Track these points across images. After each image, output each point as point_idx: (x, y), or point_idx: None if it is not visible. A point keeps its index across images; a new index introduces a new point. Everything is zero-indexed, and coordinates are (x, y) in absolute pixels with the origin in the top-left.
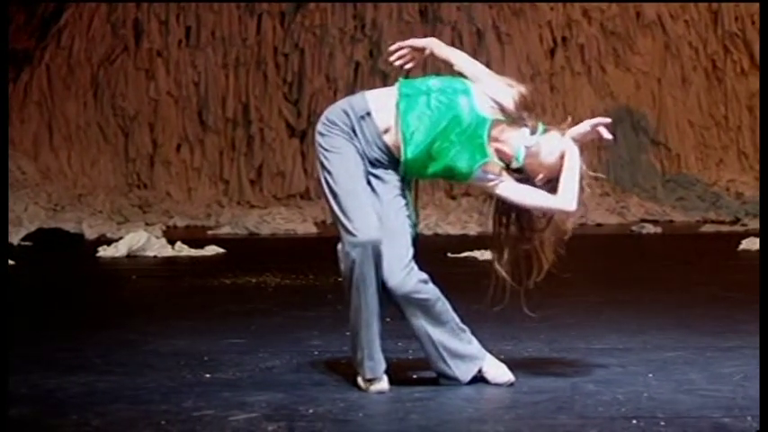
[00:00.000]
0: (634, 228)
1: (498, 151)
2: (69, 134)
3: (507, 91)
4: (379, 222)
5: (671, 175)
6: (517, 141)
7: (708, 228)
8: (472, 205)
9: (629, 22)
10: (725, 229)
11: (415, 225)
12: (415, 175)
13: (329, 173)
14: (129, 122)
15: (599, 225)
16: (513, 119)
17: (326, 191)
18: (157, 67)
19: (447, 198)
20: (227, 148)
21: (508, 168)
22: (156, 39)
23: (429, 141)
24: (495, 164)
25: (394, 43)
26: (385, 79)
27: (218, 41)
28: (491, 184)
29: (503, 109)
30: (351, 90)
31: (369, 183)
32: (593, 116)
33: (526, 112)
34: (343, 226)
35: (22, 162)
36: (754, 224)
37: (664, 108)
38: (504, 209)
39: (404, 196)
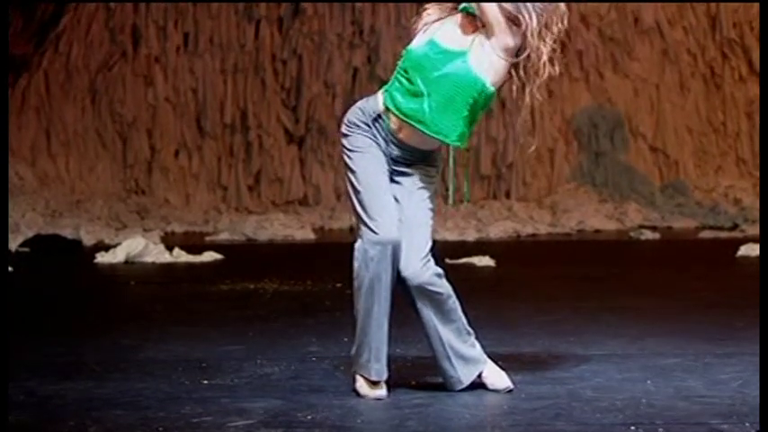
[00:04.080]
0: (632, 234)
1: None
2: (67, 140)
3: None
4: (399, 223)
5: (669, 181)
6: None
7: (706, 234)
8: (470, 211)
9: (627, 28)
10: (723, 235)
11: (465, 192)
12: (453, 131)
13: (353, 172)
14: (127, 128)
15: (597, 231)
16: None
17: (350, 189)
18: (155, 73)
19: (445, 204)
20: (226, 155)
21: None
22: (154, 45)
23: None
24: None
25: (392, 49)
26: (383, 85)
27: (216, 47)
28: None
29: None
30: (349, 96)
31: (392, 179)
32: (590, 123)
33: None
34: (365, 223)
35: (19, 168)
36: (753, 230)
37: (662, 114)
38: None
39: (429, 189)
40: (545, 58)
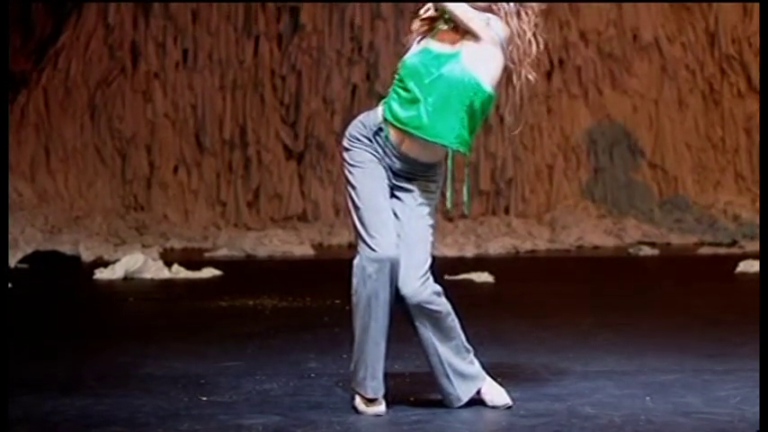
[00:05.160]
0: (631, 250)
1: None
2: (66, 156)
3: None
4: (398, 240)
5: (668, 196)
6: None
7: (705, 250)
8: (469, 227)
9: (625, 44)
10: (722, 251)
11: (465, 203)
12: (453, 135)
13: (353, 187)
14: (126, 144)
15: (596, 247)
16: None
17: (350, 204)
18: (154, 89)
19: (444, 220)
20: (224, 171)
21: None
22: (153, 61)
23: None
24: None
25: (391, 66)
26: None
27: (215, 64)
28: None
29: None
30: (348, 112)
31: (393, 194)
32: (590, 140)
33: None
34: (363, 240)
35: (18, 184)
36: (752, 246)
37: (661, 130)
38: None
39: (429, 205)
40: (529, 35)
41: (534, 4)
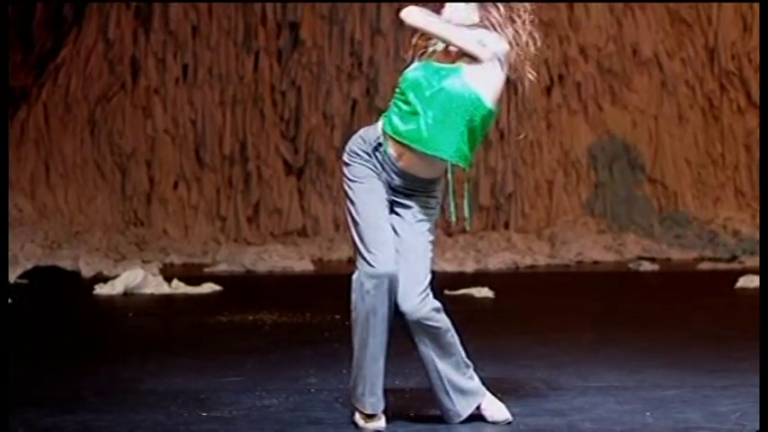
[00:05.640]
0: (631, 265)
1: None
2: (66, 172)
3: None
4: (396, 255)
5: (668, 212)
6: None
7: (705, 265)
8: (469, 242)
9: (625, 60)
10: (722, 266)
11: (467, 218)
12: (451, 148)
13: (352, 202)
14: (126, 160)
15: (596, 263)
16: None
17: (349, 220)
18: (154, 104)
19: (444, 235)
20: (224, 186)
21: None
22: (153, 76)
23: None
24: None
25: (391, 81)
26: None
27: (215, 79)
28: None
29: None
30: (348, 127)
31: (392, 209)
32: (589, 155)
33: None
34: (362, 256)
35: (18, 200)
36: (752, 262)
37: (660, 146)
38: None
39: (429, 221)
40: (525, 37)
41: (523, 3)
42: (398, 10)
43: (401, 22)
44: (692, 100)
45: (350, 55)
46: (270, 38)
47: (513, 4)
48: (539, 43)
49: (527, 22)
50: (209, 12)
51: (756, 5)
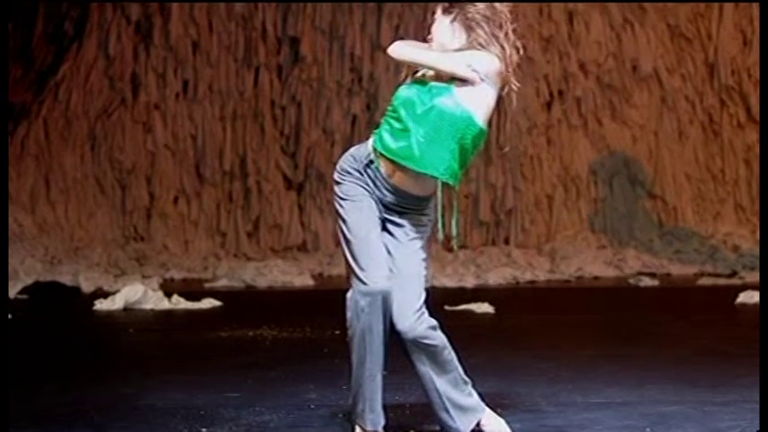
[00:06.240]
0: (631, 280)
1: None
2: (66, 187)
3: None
4: (389, 272)
5: (668, 227)
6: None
7: (705, 281)
8: (469, 258)
9: (625, 75)
10: (722, 282)
11: (454, 237)
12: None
13: (344, 221)
14: (127, 175)
15: (596, 278)
16: None
17: (341, 238)
18: (155, 120)
19: (444, 251)
20: (225, 201)
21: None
22: (153, 92)
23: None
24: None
25: (391, 97)
26: None
27: (215, 94)
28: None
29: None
30: (348, 143)
31: (384, 227)
32: (589, 170)
33: None
34: (355, 274)
35: (19, 215)
36: (752, 277)
37: (660, 161)
38: None
39: (422, 239)
40: (510, 50)
41: (502, 9)
42: (398, 26)
43: (401, 39)
44: (691, 115)
45: (350, 70)
46: (270, 53)
47: (495, 17)
48: (521, 51)
49: (509, 33)
50: (210, 27)
51: (756, 21)
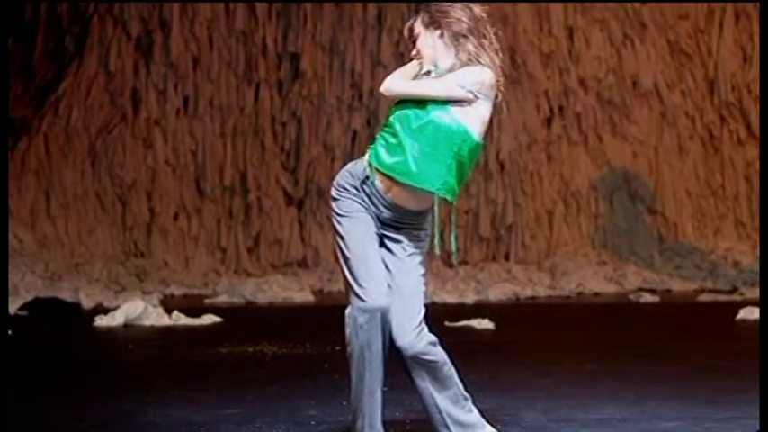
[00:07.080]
0: (631, 296)
1: None
2: (66, 203)
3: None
4: (388, 289)
5: (668, 243)
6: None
7: (705, 297)
8: (469, 274)
9: (625, 91)
10: (722, 298)
11: (453, 252)
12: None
13: (341, 237)
14: (127, 191)
15: (596, 294)
16: None
17: (339, 255)
18: (155, 136)
19: (444, 267)
20: (225, 217)
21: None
22: (153, 108)
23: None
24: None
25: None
26: None
27: (215, 110)
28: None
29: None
30: (348, 158)
31: (382, 243)
32: (590, 186)
33: None
34: (353, 290)
35: (19, 231)
36: (752, 293)
37: (660, 177)
38: None
39: (420, 254)
40: (498, 61)
41: (481, 14)
42: (398, 42)
43: (401, 54)
44: (691, 131)
45: (350, 86)
46: (270, 69)
47: (478, 25)
48: (500, 54)
49: (492, 40)
50: (210, 43)
51: (756, 37)
